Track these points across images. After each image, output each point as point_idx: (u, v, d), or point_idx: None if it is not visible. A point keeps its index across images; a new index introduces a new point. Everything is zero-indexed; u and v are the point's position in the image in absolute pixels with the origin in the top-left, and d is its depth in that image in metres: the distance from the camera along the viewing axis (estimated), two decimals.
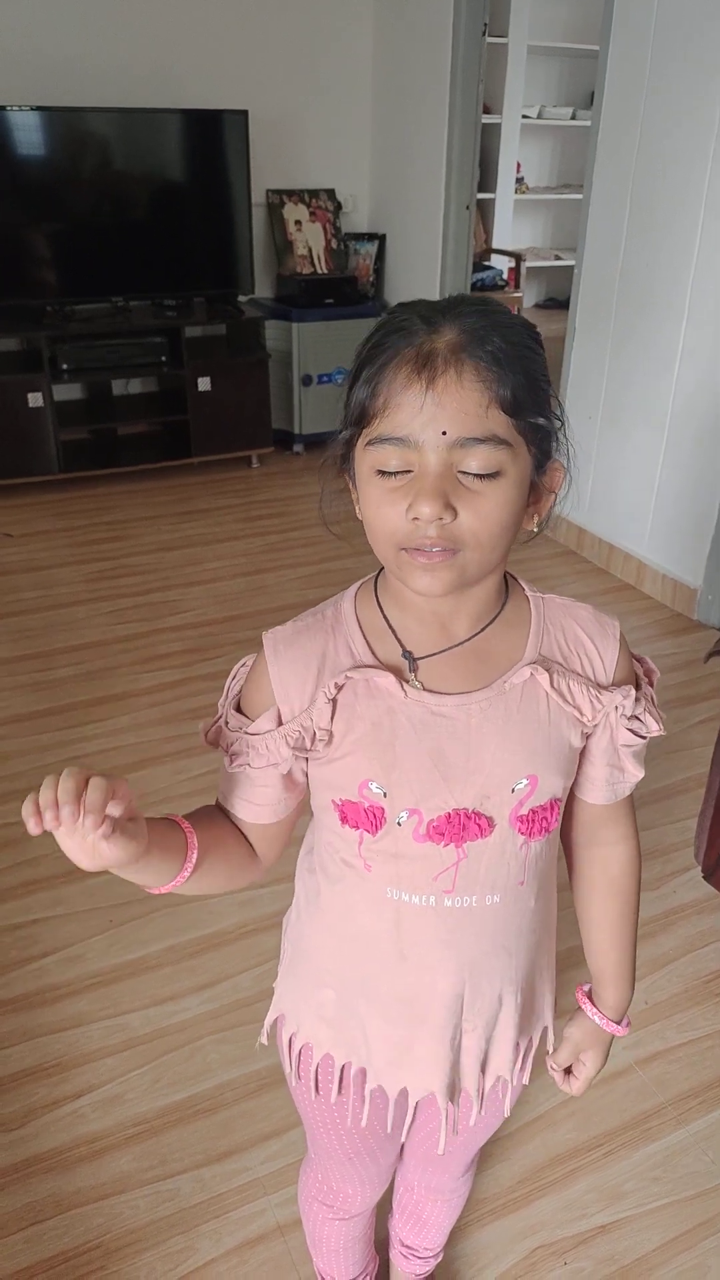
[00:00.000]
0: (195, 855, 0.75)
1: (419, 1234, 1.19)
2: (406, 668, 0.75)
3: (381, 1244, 1.29)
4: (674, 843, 2.08)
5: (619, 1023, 0.92)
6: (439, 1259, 1.25)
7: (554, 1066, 0.95)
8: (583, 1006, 0.93)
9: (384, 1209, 1.26)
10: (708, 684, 2.65)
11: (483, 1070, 0.88)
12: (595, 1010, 0.92)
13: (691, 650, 2.84)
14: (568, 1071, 0.96)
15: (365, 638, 0.76)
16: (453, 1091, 0.87)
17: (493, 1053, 0.88)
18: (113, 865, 0.65)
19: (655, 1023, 1.68)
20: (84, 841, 0.64)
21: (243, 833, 0.82)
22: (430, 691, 0.74)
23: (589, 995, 0.94)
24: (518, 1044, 0.90)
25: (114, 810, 0.63)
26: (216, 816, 0.82)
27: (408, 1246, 1.22)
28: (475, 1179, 1.41)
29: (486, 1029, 0.86)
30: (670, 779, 2.28)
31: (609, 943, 0.91)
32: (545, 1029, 0.94)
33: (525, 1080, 0.93)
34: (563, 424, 0.71)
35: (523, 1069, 0.92)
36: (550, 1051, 0.95)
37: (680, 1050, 1.63)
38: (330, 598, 0.80)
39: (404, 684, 0.74)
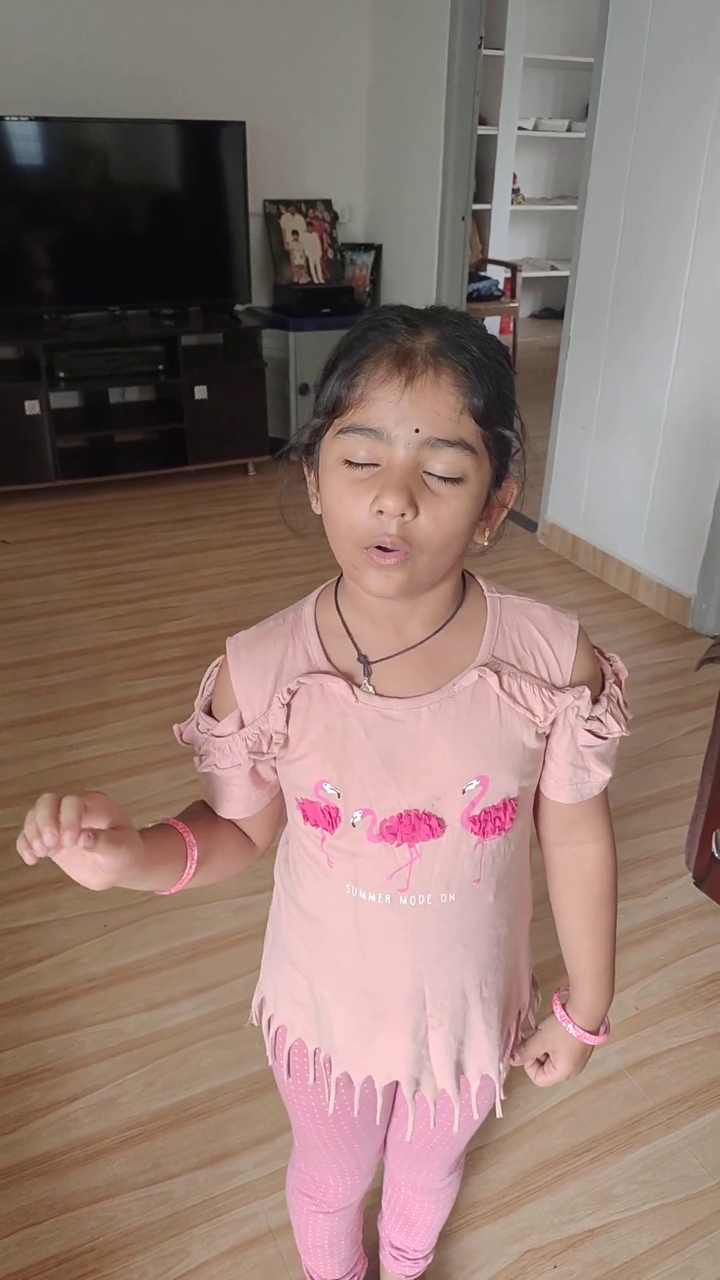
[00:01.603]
0: (196, 853, 0.79)
1: (408, 1235, 1.20)
2: (361, 671, 0.76)
3: (372, 1248, 1.29)
4: (666, 849, 2.09)
5: (595, 1031, 0.92)
6: (429, 1260, 1.26)
7: (521, 1058, 0.96)
8: (554, 1012, 0.93)
9: (374, 1212, 1.27)
10: (700, 692, 2.66)
11: (462, 1071, 0.89)
12: (566, 1017, 0.92)
13: (685, 658, 2.85)
14: (540, 1062, 0.97)
15: (322, 641, 0.78)
16: (418, 1084, 0.89)
17: (469, 1053, 0.89)
18: (113, 875, 0.69)
19: (645, 1028, 1.69)
20: (84, 860, 0.68)
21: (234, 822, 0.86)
22: (381, 695, 0.76)
23: (563, 1005, 0.93)
24: (502, 1036, 0.91)
25: (97, 823, 0.67)
26: (208, 812, 0.85)
27: (397, 1248, 1.23)
28: (466, 1183, 1.43)
29: (455, 1027, 0.87)
30: (662, 786, 2.29)
31: (581, 943, 0.90)
32: (520, 1013, 0.95)
33: (504, 1069, 0.94)
34: (523, 443, 0.72)
35: (507, 1059, 0.94)
36: (522, 1040, 0.96)
37: (670, 1055, 1.64)
38: (296, 602, 0.82)
39: (355, 688, 0.75)
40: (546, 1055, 0.97)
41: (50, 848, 0.64)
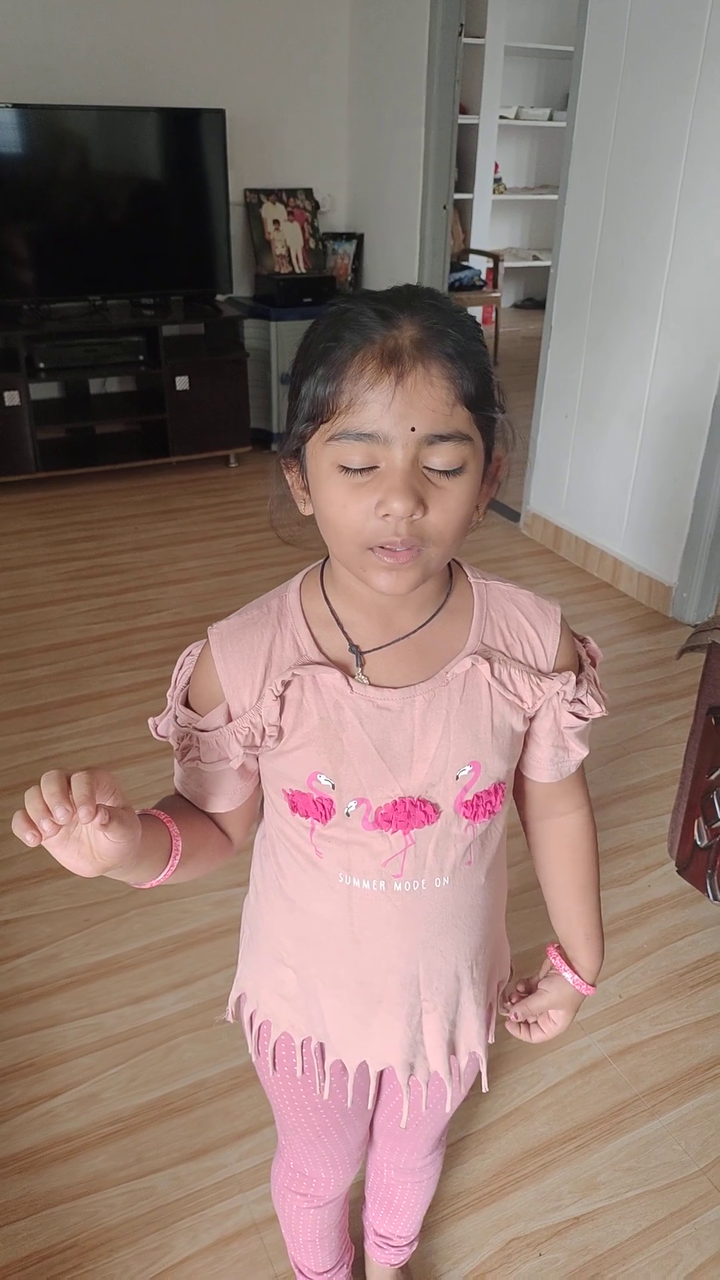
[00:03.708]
0: (180, 846, 0.76)
1: (392, 1221, 1.20)
2: (353, 662, 0.75)
3: (357, 1238, 1.29)
4: (648, 838, 2.10)
5: (591, 984, 0.94)
6: (413, 1247, 1.26)
7: (516, 1015, 0.95)
8: (560, 970, 0.94)
9: (358, 1203, 1.27)
10: (682, 681, 2.67)
11: (453, 1051, 0.90)
12: (571, 972, 0.93)
13: (667, 647, 2.86)
14: (527, 1024, 0.96)
15: (310, 630, 0.76)
16: (413, 1068, 0.89)
17: (460, 1033, 0.90)
18: (112, 861, 0.65)
19: (629, 1016, 1.69)
20: (80, 846, 0.64)
21: (212, 818, 0.83)
22: (375, 685, 0.75)
23: (563, 955, 0.94)
24: (486, 1012, 0.91)
25: (105, 800, 0.63)
26: (187, 807, 0.83)
27: (382, 1235, 1.23)
28: (450, 1173, 1.43)
29: (448, 1009, 0.88)
30: (645, 775, 2.30)
31: (575, 907, 0.92)
32: (500, 984, 0.95)
33: (491, 1039, 0.94)
34: (506, 415, 0.71)
35: (488, 1032, 0.93)
36: (510, 1001, 0.95)
37: (654, 1043, 1.65)
38: (274, 588, 0.81)
39: (349, 679, 0.75)
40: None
41: (62, 824, 0.60)
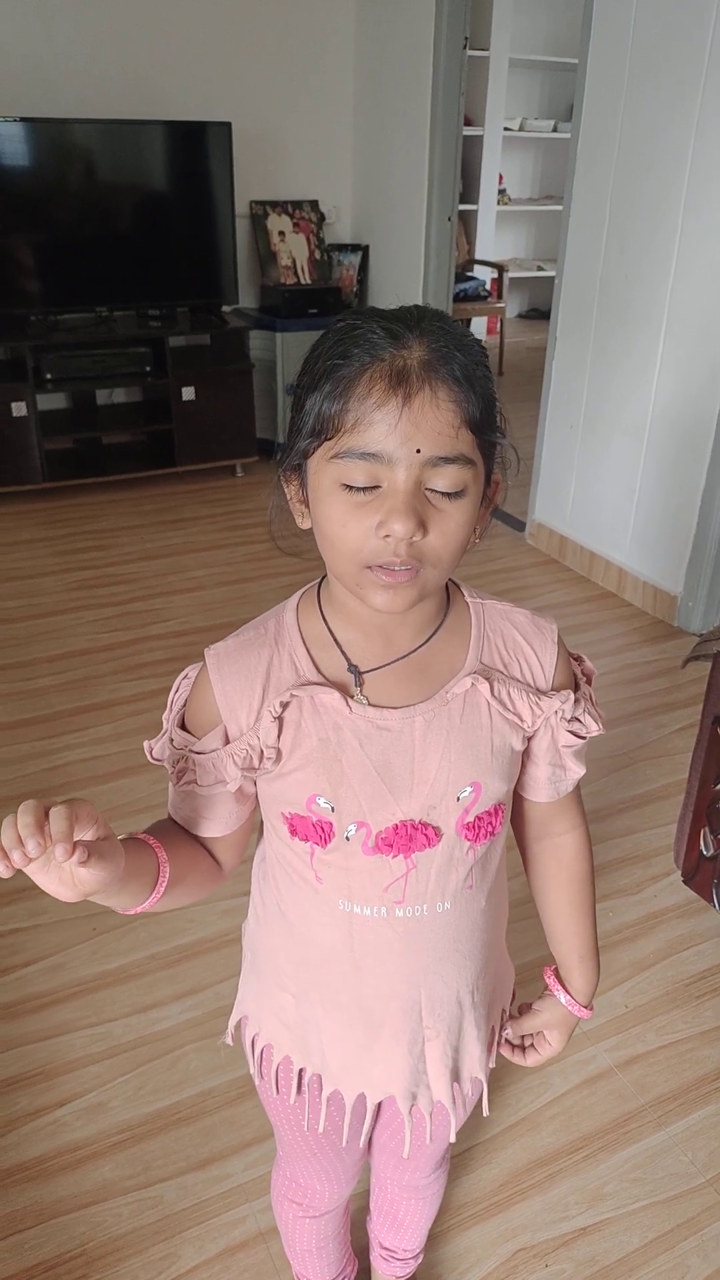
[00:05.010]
0: (167, 872, 0.75)
1: (397, 1235, 1.20)
2: (352, 682, 0.75)
3: (362, 1249, 1.29)
4: (655, 848, 2.10)
5: (587, 1006, 0.94)
6: (419, 1260, 1.26)
7: (510, 1038, 0.96)
8: (554, 990, 0.94)
9: (362, 1213, 1.27)
10: (688, 690, 2.67)
11: (456, 1078, 0.89)
12: (565, 994, 0.94)
13: (673, 657, 2.86)
14: (520, 1047, 0.97)
15: (308, 651, 0.76)
16: (415, 1097, 0.88)
17: (463, 1060, 0.89)
18: (93, 888, 0.64)
19: (635, 1026, 1.69)
20: (60, 874, 0.63)
21: (203, 844, 0.83)
22: (374, 706, 0.75)
23: (558, 977, 0.95)
24: (488, 1035, 0.91)
25: (85, 834, 0.62)
26: (178, 832, 0.82)
27: (386, 1249, 1.22)
28: (457, 1183, 1.43)
29: (451, 1036, 0.87)
30: (651, 785, 2.30)
31: (569, 928, 0.92)
32: (504, 1011, 0.95)
33: (492, 1064, 0.94)
34: (507, 440, 0.71)
35: (489, 1057, 0.93)
36: (507, 1024, 0.96)
37: (660, 1053, 1.65)
38: (271, 609, 0.80)
39: (349, 699, 0.74)
40: (528, 1039, 0.98)
41: (33, 858, 0.60)
